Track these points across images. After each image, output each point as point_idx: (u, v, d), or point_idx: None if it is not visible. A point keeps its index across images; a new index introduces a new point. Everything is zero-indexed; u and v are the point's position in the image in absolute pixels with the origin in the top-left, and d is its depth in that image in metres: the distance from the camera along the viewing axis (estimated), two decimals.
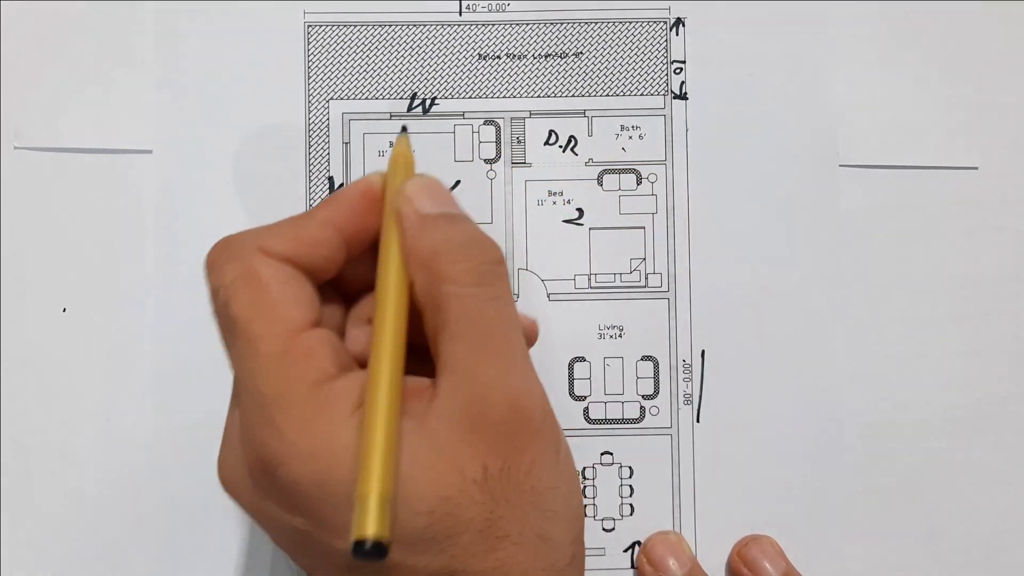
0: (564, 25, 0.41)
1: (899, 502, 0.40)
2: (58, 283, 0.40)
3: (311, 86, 0.41)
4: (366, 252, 0.33)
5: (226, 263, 0.31)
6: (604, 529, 0.40)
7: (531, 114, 0.41)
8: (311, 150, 0.41)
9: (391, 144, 0.40)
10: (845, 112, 0.41)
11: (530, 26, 0.41)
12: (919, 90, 0.41)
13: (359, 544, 0.27)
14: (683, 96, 0.41)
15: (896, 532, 0.40)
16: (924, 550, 0.40)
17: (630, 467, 0.40)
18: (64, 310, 0.40)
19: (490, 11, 0.41)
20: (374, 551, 0.27)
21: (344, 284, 0.34)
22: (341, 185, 0.40)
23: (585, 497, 0.40)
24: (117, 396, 0.40)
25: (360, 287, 0.33)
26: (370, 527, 0.27)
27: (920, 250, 0.41)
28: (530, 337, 0.37)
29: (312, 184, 0.41)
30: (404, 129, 0.37)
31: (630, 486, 0.40)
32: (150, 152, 0.40)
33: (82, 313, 0.40)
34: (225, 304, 0.30)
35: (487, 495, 0.28)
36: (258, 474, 0.30)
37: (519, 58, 0.41)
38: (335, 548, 0.29)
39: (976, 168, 0.41)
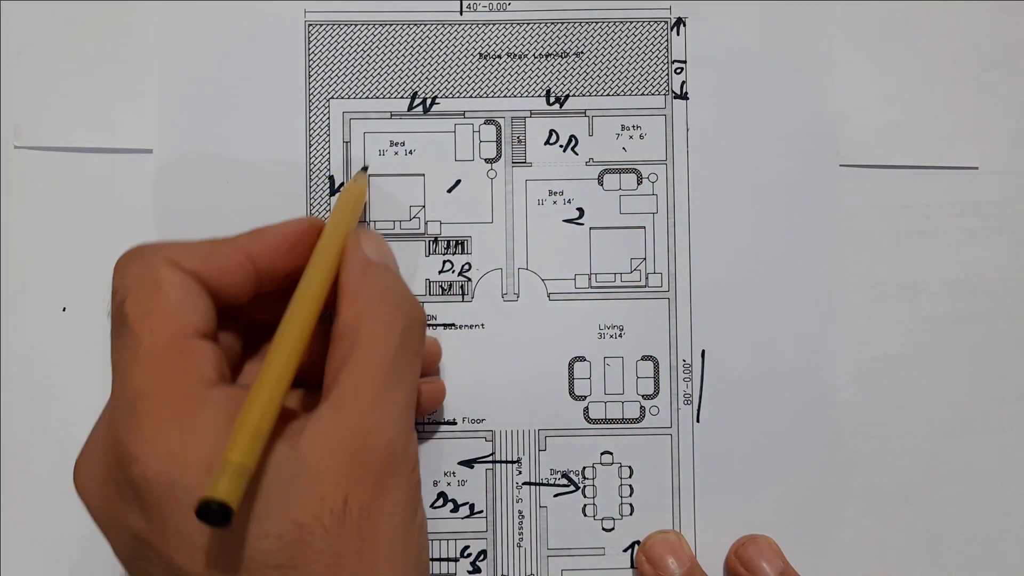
0: (565, 25, 0.41)
1: (898, 502, 0.40)
2: (58, 283, 0.40)
3: (312, 85, 0.41)
4: (277, 290, 0.34)
5: (132, 266, 0.31)
6: (604, 529, 0.40)
7: (531, 113, 0.41)
8: (311, 149, 0.41)
9: (349, 181, 0.40)
10: (845, 112, 0.41)
11: (531, 26, 0.41)
12: (919, 90, 0.41)
13: (206, 504, 0.26)
14: (684, 96, 0.41)
15: (896, 532, 0.40)
16: (924, 550, 0.40)
17: (630, 467, 0.40)
18: (64, 310, 0.40)
19: (491, 10, 0.41)
20: (219, 514, 0.26)
21: (249, 317, 0.35)
22: (341, 185, 0.40)
23: (584, 497, 0.40)
24: None
25: (264, 324, 0.34)
26: (221, 488, 0.27)
27: (920, 250, 0.41)
28: (432, 400, 0.39)
29: (312, 183, 0.41)
30: (365, 168, 0.40)
31: (630, 486, 0.40)
32: (150, 152, 0.40)
33: (82, 313, 0.40)
34: (120, 303, 0.30)
35: (342, 530, 0.28)
36: (114, 470, 0.29)
37: (520, 57, 0.41)
38: (174, 563, 0.28)
39: (976, 168, 0.41)
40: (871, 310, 0.41)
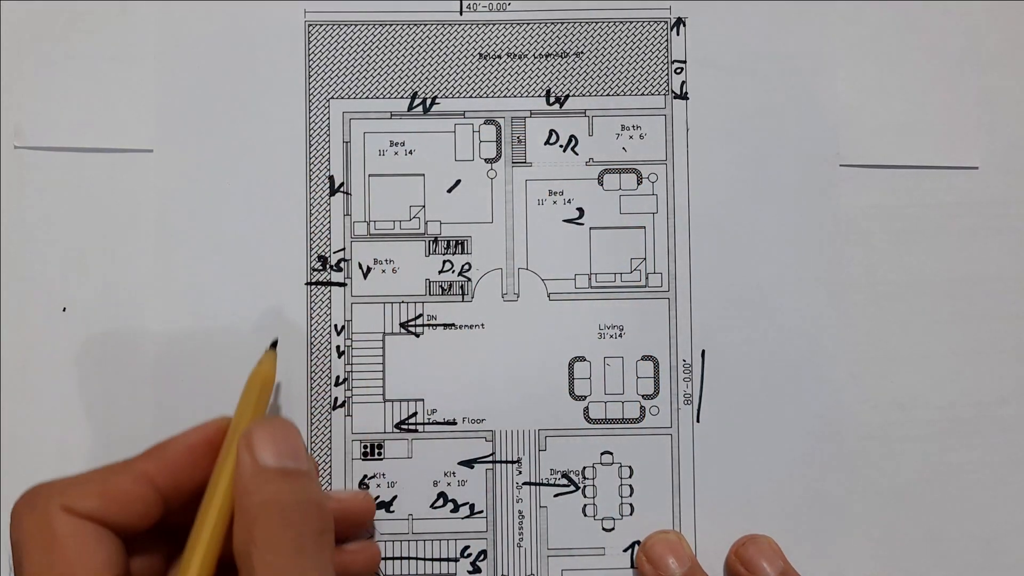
0: (564, 25, 0.41)
1: (899, 502, 0.40)
2: (58, 283, 0.40)
3: (311, 85, 0.41)
4: (196, 499, 0.33)
5: (27, 517, 0.30)
6: (604, 529, 0.40)
7: (531, 113, 0.41)
8: (311, 149, 0.41)
9: (256, 364, 0.37)
10: (845, 112, 0.41)
11: (531, 26, 0.41)
12: (919, 90, 0.41)
13: None
14: (683, 96, 0.41)
15: (896, 532, 0.40)
16: (924, 550, 0.40)
17: (630, 467, 0.40)
18: (64, 310, 0.40)
19: (491, 10, 0.41)
20: None
21: (171, 524, 0.33)
22: (341, 185, 0.41)
23: (585, 497, 0.40)
24: (117, 396, 0.40)
25: (189, 527, 0.33)
26: None
27: (920, 250, 0.41)
28: (367, 567, 0.37)
29: (312, 183, 0.41)
30: (274, 345, 0.37)
31: (630, 486, 0.40)
32: (151, 151, 0.40)
33: (82, 313, 0.40)
34: (19, 563, 0.29)
35: None
36: None
37: (520, 57, 0.41)
38: None
39: (976, 168, 0.41)
40: (871, 310, 0.41)
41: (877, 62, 0.41)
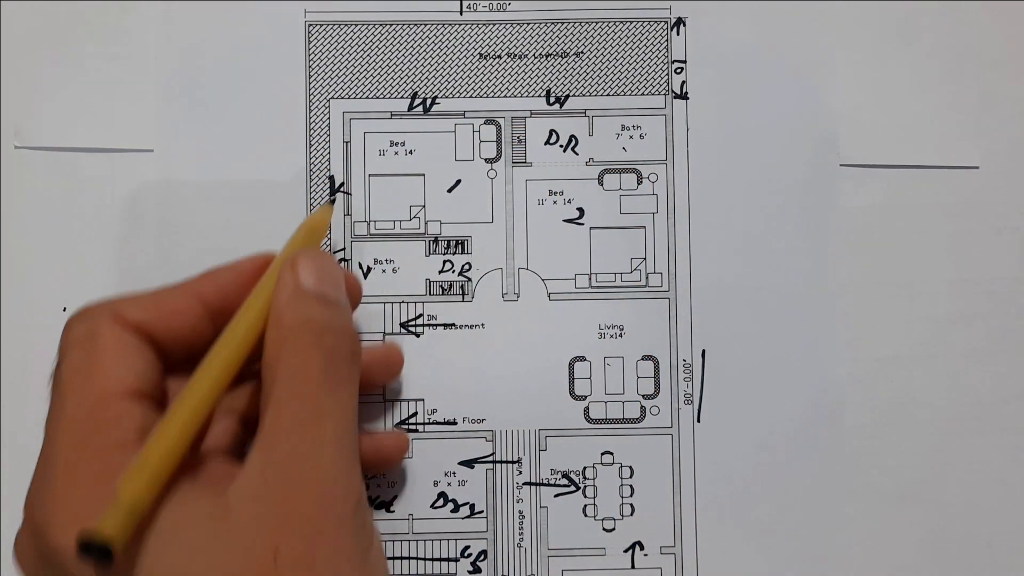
0: (565, 25, 0.41)
1: (899, 502, 0.40)
2: (58, 283, 0.40)
3: (312, 85, 0.41)
4: None
5: (77, 324, 0.31)
6: (604, 529, 0.40)
7: (532, 113, 0.41)
8: (312, 149, 0.41)
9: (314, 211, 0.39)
10: (845, 112, 0.41)
11: (531, 26, 0.41)
12: (919, 90, 0.41)
13: (87, 539, 0.25)
14: (684, 96, 0.41)
15: (896, 532, 0.40)
16: (924, 550, 0.40)
17: (630, 467, 0.40)
18: (64, 310, 0.40)
19: (491, 10, 0.41)
20: (99, 553, 0.25)
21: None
22: (342, 185, 0.41)
23: (585, 497, 0.40)
24: None
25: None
26: (107, 524, 0.26)
27: (920, 250, 0.41)
28: (395, 451, 0.38)
29: (313, 183, 0.41)
30: (333, 200, 0.39)
31: (630, 486, 0.40)
32: (151, 151, 0.40)
33: None
34: (58, 363, 0.30)
35: None
36: (35, 538, 0.29)
37: (520, 58, 0.41)
38: None
39: (977, 168, 0.41)
40: (871, 310, 0.41)
41: (877, 62, 0.41)
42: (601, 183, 0.41)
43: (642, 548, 0.40)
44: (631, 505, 0.40)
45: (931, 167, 0.41)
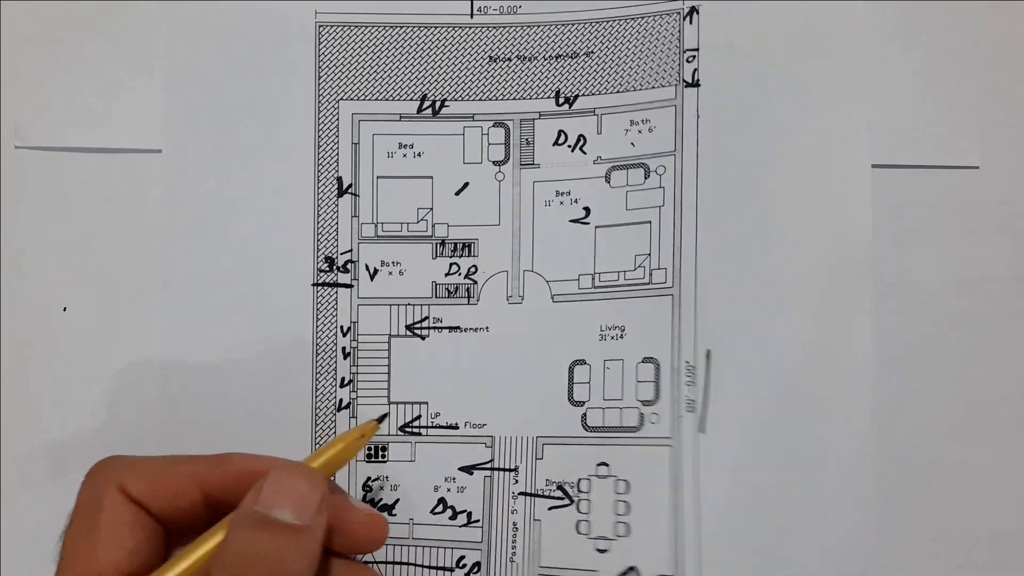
0: (576, 25, 0.41)
1: (899, 502, 0.40)
2: (58, 283, 0.40)
3: (321, 86, 0.40)
4: None
5: (88, 482, 0.32)
6: (597, 550, 0.39)
7: (541, 115, 0.41)
8: (320, 150, 0.40)
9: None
10: (845, 112, 0.41)
11: (541, 28, 0.41)
12: (919, 90, 0.41)
13: None
14: (695, 83, 0.40)
15: (896, 532, 0.40)
16: (925, 550, 0.41)
17: (626, 481, 0.39)
18: (64, 310, 0.40)
19: (502, 13, 0.41)
20: None
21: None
22: (350, 187, 0.40)
23: (579, 512, 0.40)
24: (117, 396, 0.40)
25: None
26: None
27: (920, 250, 0.41)
28: (368, 540, 0.34)
29: (321, 184, 0.40)
30: (381, 420, 0.35)
31: (625, 502, 0.39)
32: (159, 152, 0.40)
33: (82, 313, 0.40)
34: (68, 525, 0.31)
35: None
36: None
37: (530, 60, 0.41)
38: None
39: (977, 168, 0.41)
40: (871, 310, 0.41)
41: (877, 62, 0.41)
42: (608, 180, 0.41)
43: (638, 575, 0.39)
44: (626, 524, 0.39)
45: (931, 167, 0.41)
